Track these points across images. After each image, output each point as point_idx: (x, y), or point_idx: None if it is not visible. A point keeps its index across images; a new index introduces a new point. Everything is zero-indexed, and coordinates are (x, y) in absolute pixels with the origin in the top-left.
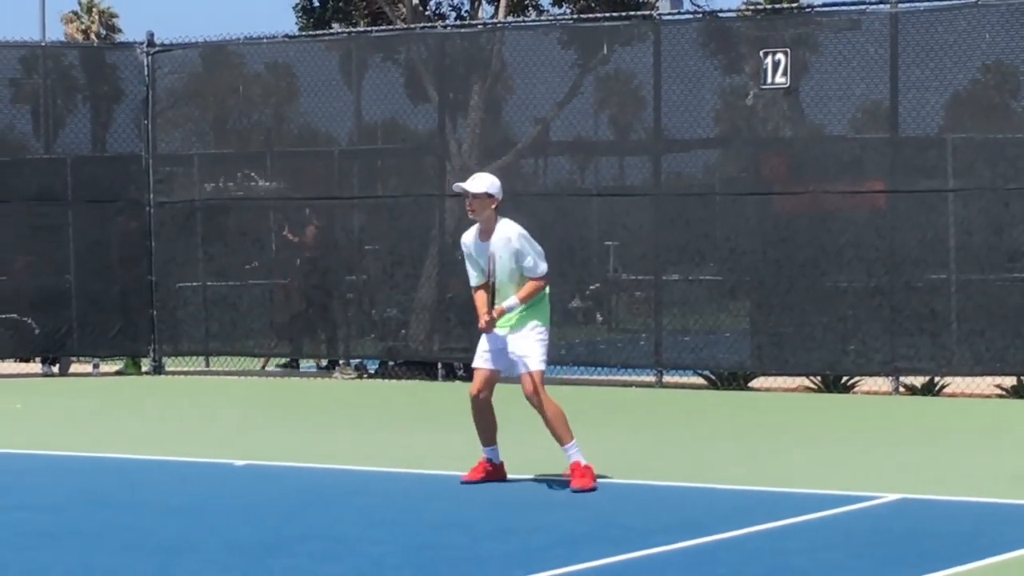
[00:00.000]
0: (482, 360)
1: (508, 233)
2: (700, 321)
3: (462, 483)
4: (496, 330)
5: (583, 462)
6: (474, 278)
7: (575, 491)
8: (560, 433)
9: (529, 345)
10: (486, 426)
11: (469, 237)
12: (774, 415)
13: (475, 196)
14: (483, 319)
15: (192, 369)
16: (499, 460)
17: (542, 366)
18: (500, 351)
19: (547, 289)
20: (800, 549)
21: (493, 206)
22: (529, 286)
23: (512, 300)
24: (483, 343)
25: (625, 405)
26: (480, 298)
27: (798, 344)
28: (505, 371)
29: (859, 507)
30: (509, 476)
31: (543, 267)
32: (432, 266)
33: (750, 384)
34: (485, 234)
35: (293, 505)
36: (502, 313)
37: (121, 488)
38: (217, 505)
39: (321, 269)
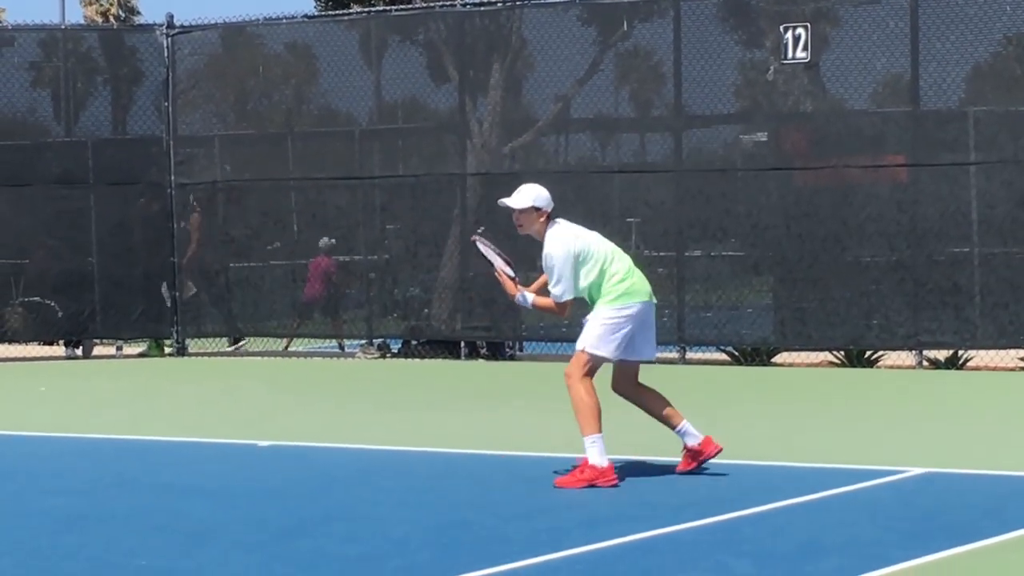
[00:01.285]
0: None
1: (549, 249)
2: (723, 297)
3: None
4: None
5: (592, 461)
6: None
7: (557, 487)
8: (581, 423)
9: (589, 327)
10: (652, 412)
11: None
12: (798, 390)
13: (521, 211)
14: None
15: (215, 351)
16: (696, 442)
17: (589, 348)
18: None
19: (623, 284)
20: (826, 523)
21: (542, 219)
22: (548, 300)
23: (529, 296)
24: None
25: (648, 382)
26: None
27: (821, 319)
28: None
29: (884, 481)
30: (533, 453)
31: (565, 296)
32: (454, 245)
33: (773, 360)
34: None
35: (317, 486)
36: (517, 295)
37: (147, 470)
38: (242, 486)
39: (203, 254)
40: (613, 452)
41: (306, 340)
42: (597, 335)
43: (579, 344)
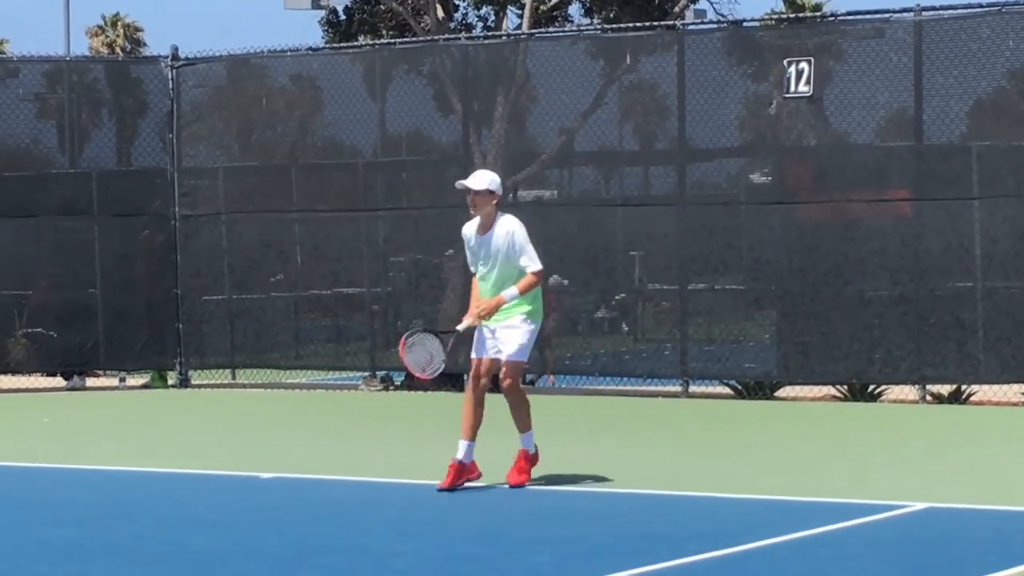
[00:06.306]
0: (480, 350)
1: (510, 227)
2: (725, 331)
3: (438, 491)
4: (491, 322)
5: (532, 451)
6: (473, 266)
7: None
8: (526, 420)
9: (513, 336)
10: (475, 418)
11: (470, 229)
12: (801, 424)
13: (477, 193)
14: (473, 313)
15: (218, 382)
16: (470, 460)
17: (520, 357)
18: (492, 340)
19: (540, 288)
20: (829, 558)
21: (494, 202)
22: (528, 279)
23: (512, 290)
24: (479, 333)
25: (651, 416)
26: (475, 289)
27: (824, 353)
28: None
29: (887, 516)
30: (539, 487)
31: (538, 264)
32: (457, 277)
33: (776, 393)
34: (484, 228)
35: (319, 517)
36: (501, 303)
37: (149, 501)
38: (244, 517)
39: None
40: (618, 485)
41: (309, 372)
42: (523, 343)
43: (509, 354)
